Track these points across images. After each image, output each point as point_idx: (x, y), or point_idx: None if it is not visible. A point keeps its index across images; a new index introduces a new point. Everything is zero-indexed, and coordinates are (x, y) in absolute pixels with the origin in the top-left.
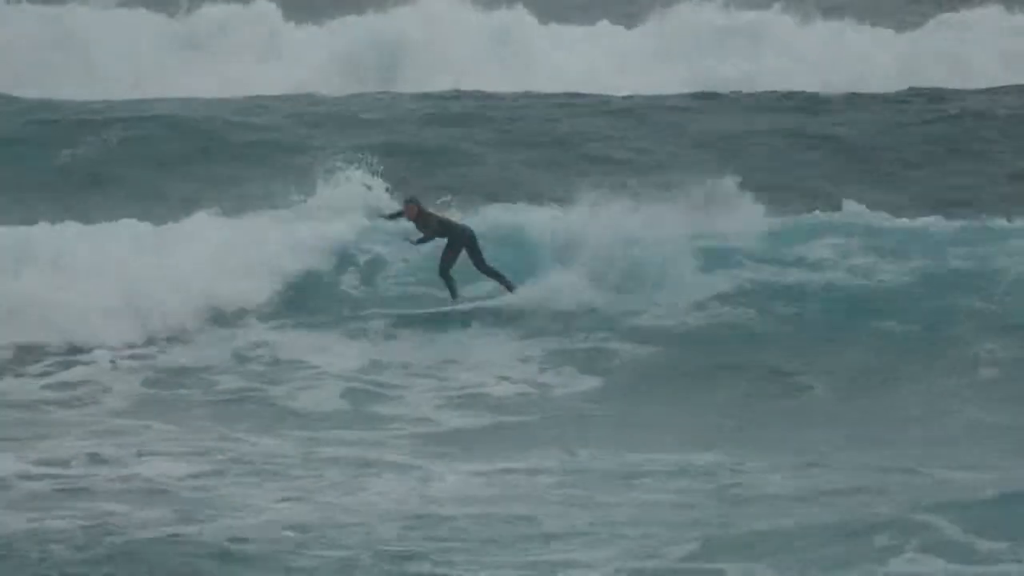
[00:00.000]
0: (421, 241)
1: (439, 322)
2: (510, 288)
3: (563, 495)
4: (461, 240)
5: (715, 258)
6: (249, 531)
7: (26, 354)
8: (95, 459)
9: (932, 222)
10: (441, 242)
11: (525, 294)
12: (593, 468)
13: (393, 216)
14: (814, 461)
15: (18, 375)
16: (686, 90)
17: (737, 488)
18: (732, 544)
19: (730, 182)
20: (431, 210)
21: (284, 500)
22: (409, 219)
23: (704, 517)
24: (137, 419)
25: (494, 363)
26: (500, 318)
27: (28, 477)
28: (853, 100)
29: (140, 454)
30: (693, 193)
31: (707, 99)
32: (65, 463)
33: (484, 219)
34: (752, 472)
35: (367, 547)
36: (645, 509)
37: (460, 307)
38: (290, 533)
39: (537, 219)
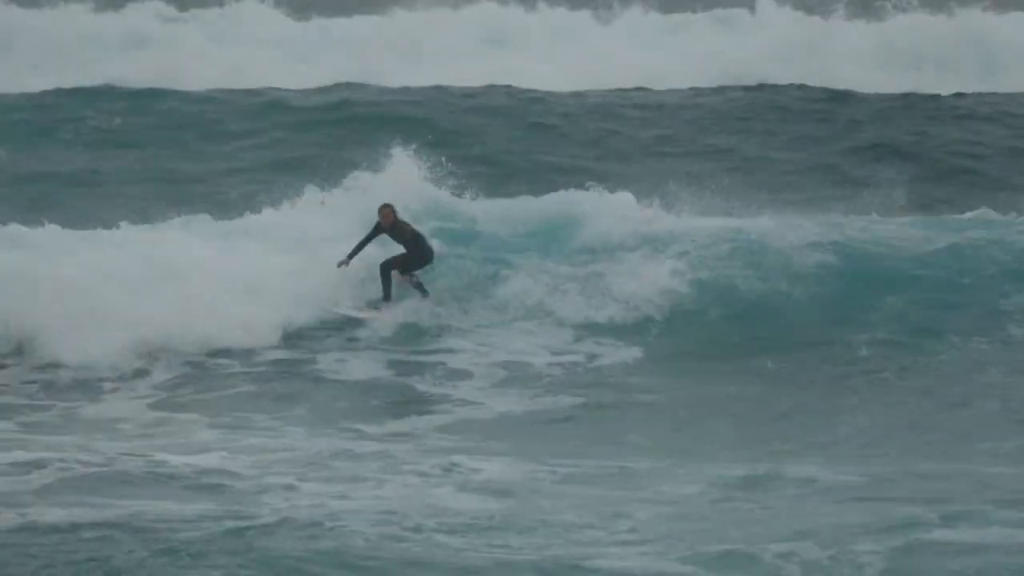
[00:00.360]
0: (409, 260)
1: (477, 287)
2: (384, 300)
3: (598, 485)
4: (422, 260)
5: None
6: (279, 522)
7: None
8: (137, 448)
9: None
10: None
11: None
12: (631, 460)
13: (368, 238)
14: (854, 450)
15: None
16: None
17: (773, 480)
18: (771, 530)
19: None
20: (405, 219)
21: (321, 491)
22: (385, 225)
23: (742, 508)
24: (179, 407)
25: (536, 332)
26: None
27: (68, 466)
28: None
29: (182, 443)
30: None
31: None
32: (109, 453)
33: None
34: (787, 460)
35: (397, 537)
36: (682, 501)
37: (384, 317)
38: (322, 521)
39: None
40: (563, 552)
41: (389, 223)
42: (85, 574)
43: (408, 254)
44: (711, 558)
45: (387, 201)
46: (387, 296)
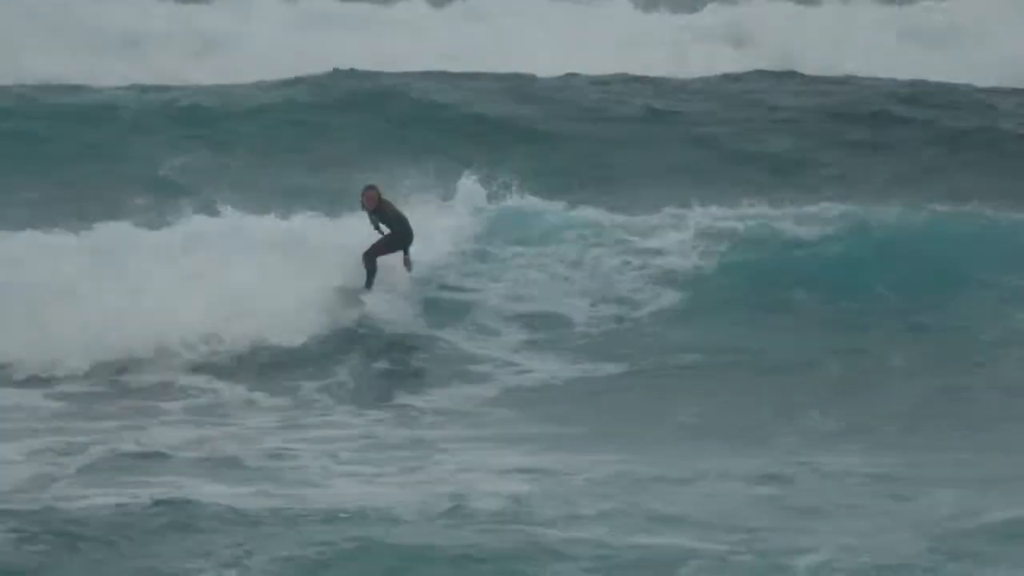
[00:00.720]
0: (393, 241)
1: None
2: (367, 285)
3: (634, 465)
4: (405, 241)
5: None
6: (327, 507)
7: None
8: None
9: None
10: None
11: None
12: (669, 441)
13: (372, 219)
14: (885, 437)
15: None
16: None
17: (809, 465)
18: (805, 517)
19: None
20: (389, 199)
21: (365, 473)
22: (369, 207)
23: (778, 492)
24: (222, 393)
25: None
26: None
27: (114, 449)
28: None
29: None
30: None
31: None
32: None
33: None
34: (823, 443)
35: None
36: (720, 486)
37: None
38: (364, 508)
39: None
40: (600, 535)
41: (373, 206)
42: (138, 556)
43: (393, 235)
44: (743, 543)
45: (372, 183)
46: (370, 284)
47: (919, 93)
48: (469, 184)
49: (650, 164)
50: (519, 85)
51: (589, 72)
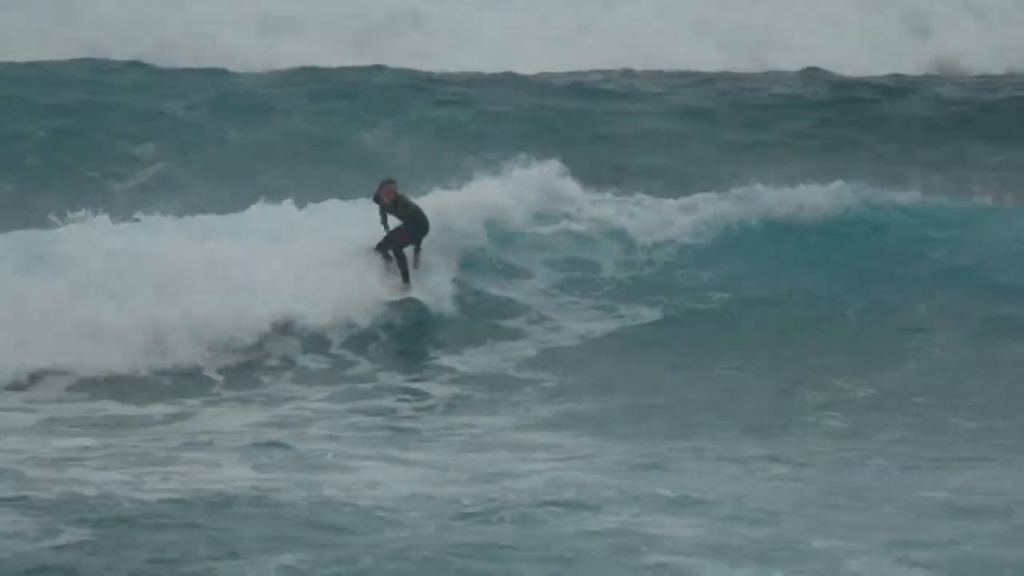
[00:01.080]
0: (408, 234)
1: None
2: (405, 280)
3: (661, 448)
4: (421, 233)
5: None
6: (337, 496)
7: None
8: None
9: None
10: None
11: None
12: (698, 420)
13: (383, 215)
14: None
15: None
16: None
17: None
18: (832, 511)
19: None
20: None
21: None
22: (386, 200)
23: (809, 483)
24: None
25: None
26: None
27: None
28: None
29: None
30: None
31: None
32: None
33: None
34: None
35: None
36: (750, 473)
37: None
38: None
39: None
40: (624, 521)
41: (392, 199)
42: (163, 546)
43: (407, 226)
44: (765, 527)
45: (391, 177)
46: (406, 277)
47: (912, 77)
48: (481, 175)
49: (659, 148)
50: (517, 79)
51: (583, 67)
